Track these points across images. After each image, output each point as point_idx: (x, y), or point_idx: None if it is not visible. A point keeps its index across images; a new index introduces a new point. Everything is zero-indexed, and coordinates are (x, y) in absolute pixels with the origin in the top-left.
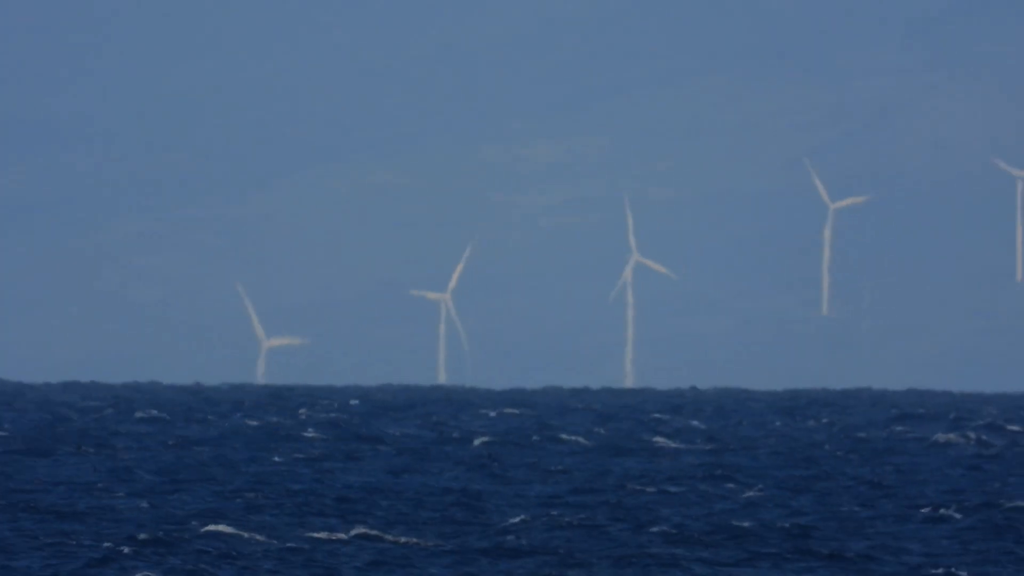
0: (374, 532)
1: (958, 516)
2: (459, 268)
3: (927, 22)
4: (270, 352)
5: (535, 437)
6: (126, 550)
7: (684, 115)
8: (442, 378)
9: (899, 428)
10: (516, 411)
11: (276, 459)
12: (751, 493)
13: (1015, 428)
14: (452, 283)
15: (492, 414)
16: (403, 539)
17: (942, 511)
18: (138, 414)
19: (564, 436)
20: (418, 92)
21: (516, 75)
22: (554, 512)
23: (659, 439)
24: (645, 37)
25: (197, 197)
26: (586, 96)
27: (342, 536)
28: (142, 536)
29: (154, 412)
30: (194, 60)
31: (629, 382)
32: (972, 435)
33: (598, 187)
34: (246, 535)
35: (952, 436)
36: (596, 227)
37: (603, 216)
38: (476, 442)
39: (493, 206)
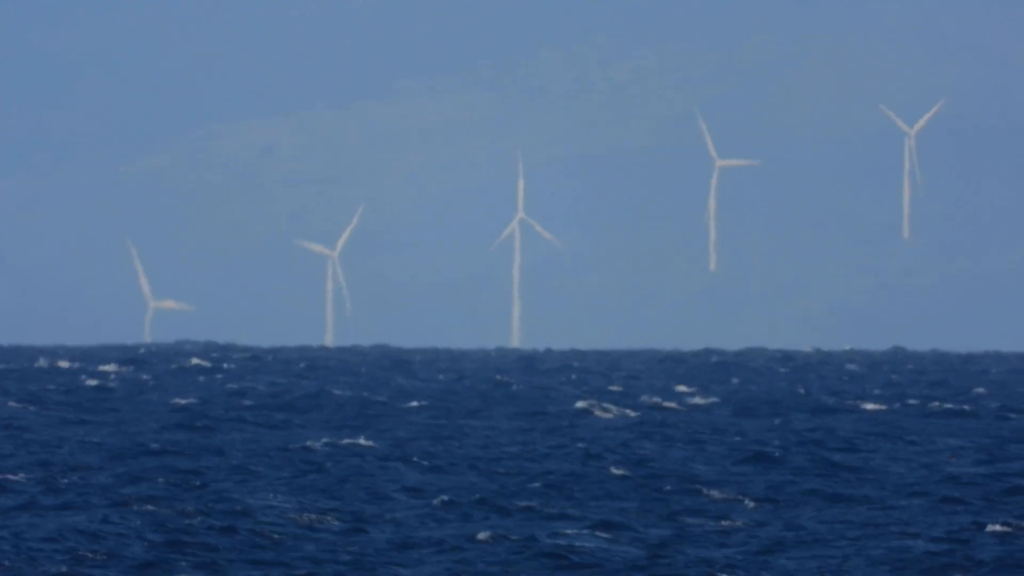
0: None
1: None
2: (349, 228)
3: None
4: (157, 312)
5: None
6: None
7: (571, 73)
8: (329, 340)
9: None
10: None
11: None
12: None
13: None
14: (341, 241)
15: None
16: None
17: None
18: None
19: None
20: (304, 50)
21: (404, 34)
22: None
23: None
24: None
25: (85, 156)
26: (474, 55)
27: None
28: None
29: None
30: (80, 17)
31: (516, 342)
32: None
33: (486, 146)
34: None
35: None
36: (484, 186)
37: (491, 176)
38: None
39: (380, 164)
